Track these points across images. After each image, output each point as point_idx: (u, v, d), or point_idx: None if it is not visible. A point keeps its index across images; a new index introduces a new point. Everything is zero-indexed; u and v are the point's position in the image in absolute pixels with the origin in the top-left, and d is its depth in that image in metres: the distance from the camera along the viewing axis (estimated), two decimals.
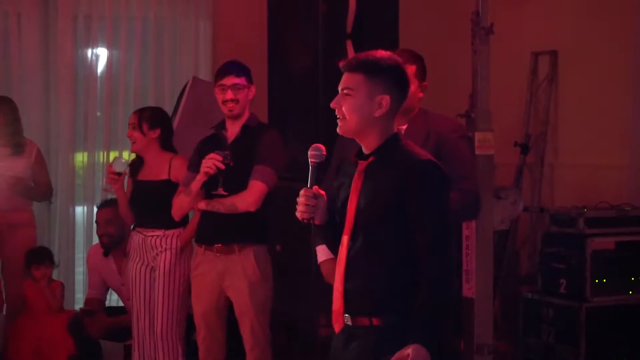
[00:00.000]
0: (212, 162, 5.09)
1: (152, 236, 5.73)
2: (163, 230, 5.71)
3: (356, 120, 3.50)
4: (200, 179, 5.15)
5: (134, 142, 5.83)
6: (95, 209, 6.96)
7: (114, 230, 6.57)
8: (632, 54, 6.59)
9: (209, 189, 5.25)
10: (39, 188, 6.68)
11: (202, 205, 5.26)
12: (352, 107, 3.49)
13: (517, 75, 7.35)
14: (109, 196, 6.39)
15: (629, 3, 6.61)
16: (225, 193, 5.16)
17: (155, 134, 5.82)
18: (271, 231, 5.36)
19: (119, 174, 5.78)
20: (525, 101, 7.34)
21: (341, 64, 3.56)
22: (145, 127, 5.80)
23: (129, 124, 5.86)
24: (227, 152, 5.13)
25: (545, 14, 7.15)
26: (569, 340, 5.99)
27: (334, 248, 3.63)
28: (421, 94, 4.70)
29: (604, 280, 5.98)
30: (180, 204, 5.39)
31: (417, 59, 4.69)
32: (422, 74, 4.70)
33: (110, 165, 5.82)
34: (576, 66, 7.01)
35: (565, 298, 6.07)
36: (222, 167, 5.09)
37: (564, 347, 6.04)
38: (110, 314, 6.80)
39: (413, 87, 4.43)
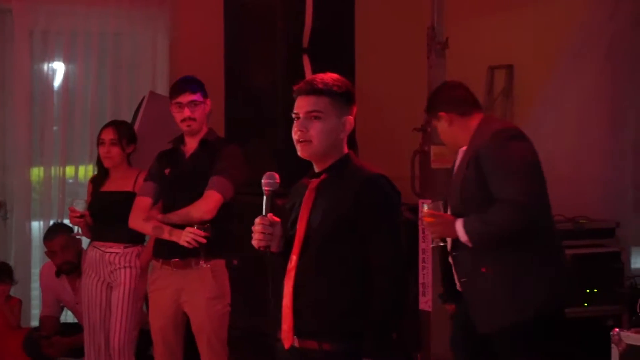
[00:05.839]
0: (191, 236, 5.07)
1: (111, 252, 5.70)
2: (122, 245, 5.68)
3: (326, 142, 3.51)
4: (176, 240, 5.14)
5: (110, 158, 5.75)
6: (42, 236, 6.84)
7: (72, 256, 6.45)
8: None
9: (167, 203, 5.27)
10: None
11: (158, 218, 5.25)
12: (323, 130, 3.50)
13: (473, 89, 7.33)
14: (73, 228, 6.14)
15: (585, 18, 6.66)
16: (207, 265, 5.14)
17: (130, 149, 5.79)
18: (229, 245, 5.34)
19: (82, 216, 5.69)
20: None
21: (297, 88, 3.56)
22: (124, 142, 5.76)
23: (104, 140, 5.76)
24: (206, 225, 5.10)
25: (501, 28, 7.19)
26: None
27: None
28: None
29: None
30: (142, 229, 5.40)
31: None
32: None
33: (71, 207, 5.72)
34: (532, 80, 7.06)
35: None
36: (203, 241, 5.07)
37: None
38: (65, 331, 6.73)
39: None
